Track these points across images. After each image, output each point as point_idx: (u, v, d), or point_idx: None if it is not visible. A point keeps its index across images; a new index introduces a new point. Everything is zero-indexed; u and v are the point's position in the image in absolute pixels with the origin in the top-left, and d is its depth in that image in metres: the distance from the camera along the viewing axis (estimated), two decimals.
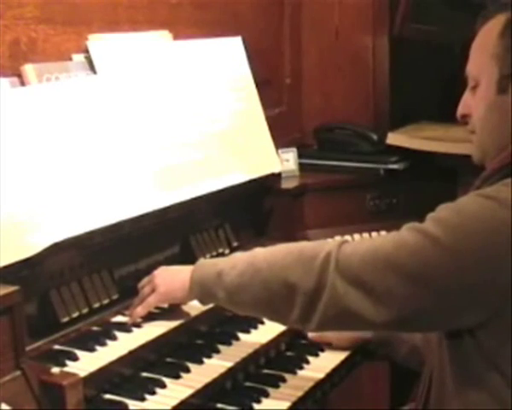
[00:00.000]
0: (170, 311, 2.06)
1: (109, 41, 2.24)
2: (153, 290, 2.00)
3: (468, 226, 1.54)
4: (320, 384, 2.08)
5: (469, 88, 1.76)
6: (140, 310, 2.00)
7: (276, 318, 1.84)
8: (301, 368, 2.12)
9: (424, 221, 1.62)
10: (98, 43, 2.21)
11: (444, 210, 1.61)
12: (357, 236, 2.84)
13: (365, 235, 2.85)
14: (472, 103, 1.74)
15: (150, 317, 2.03)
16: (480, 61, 1.71)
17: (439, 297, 1.54)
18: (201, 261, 1.96)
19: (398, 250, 1.57)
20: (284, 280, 1.69)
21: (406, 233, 1.60)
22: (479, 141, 1.76)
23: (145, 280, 2.06)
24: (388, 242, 1.61)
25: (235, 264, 1.81)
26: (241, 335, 2.12)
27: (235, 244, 2.52)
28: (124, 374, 1.87)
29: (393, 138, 2.99)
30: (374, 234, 2.86)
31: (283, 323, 1.86)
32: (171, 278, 1.99)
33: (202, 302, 1.95)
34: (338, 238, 1.70)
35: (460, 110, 1.78)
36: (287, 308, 1.70)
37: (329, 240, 1.76)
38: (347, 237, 2.81)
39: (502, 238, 1.51)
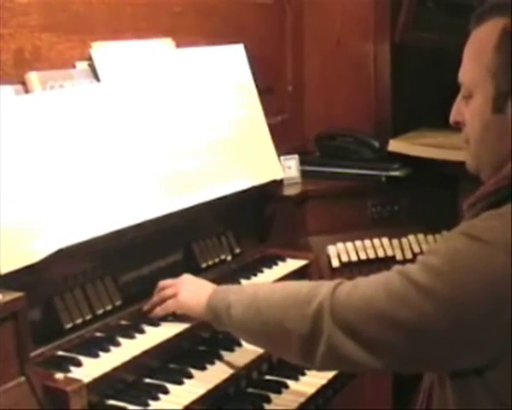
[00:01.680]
0: (173, 317, 2.07)
1: (112, 49, 2.25)
2: (174, 295, 2.03)
3: (459, 275, 1.48)
4: (322, 390, 2.09)
5: (462, 96, 1.68)
6: (159, 311, 2.05)
7: (280, 356, 1.88)
8: (303, 374, 2.13)
9: (415, 265, 1.57)
10: (101, 50, 2.22)
11: (434, 257, 1.54)
12: (358, 242, 2.85)
13: (367, 242, 2.86)
14: (465, 112, 1.67)
15: (153, 323, 2.04)
16: (474, 72, 1.63)
17: (437, 347, 1.51)
18: (218, 289, 1.96)
19: (391, 301, 1.53)
20: (280, 325, 1.70)
21: (398, 281, 1.55)
22: (473, 153, 1.68)
23: (169, 281, 2.09)
24: (381, 289, 1.56)
25: (242, 298, 1.83)
26: (243, 341, 2.12)
27: (237, 251, 2.53)
28: (127, 380, 1.89)
29: (395, 145, 2.99)
30: (375, 241, 2.87)
31: (288, 361, 1.85)
32: (192, 292, 2.02)
33: (216, 327, 1.97)
34: (332, 282, 1.66)
35: (453, 117, 1.71)
36: (286, 350, 1.73)
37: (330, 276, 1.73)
38: (349, 244, 2.83)
39: (495, 282, 1.46)
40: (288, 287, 1.80)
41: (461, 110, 1.69)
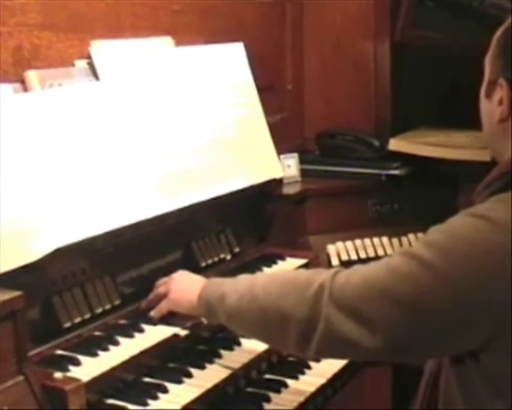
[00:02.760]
0: (172, 316, 2.07)
1: (112, 47, 2.25)
2: (166, 293, 2.04)
3: (461, 250, 1.51)
4: (322, 389, 2.09)
5: None
6: (154, 314, 2.05)
7: (273, 344, 1.84)
8: (303, 373, 2.13)
9: (416, 244, 1.60)
10: (101, 49, 2.22)
11: (436, 233, 1.57)
12: (358, 241, 2.85)
13: (366, 240, 2.86)
14: None
15: (152, 322, 2.03)
16: (487, 55, 1.72)
17: (436, 323, 1.52)
18: (210, 281, 1.97)
19: (393, 278, 1.55)
20: (278, 309, 1.69)
21: (399, 260, 1.57)
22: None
23: (163, 280, 2.10)
24: (382, 269, 1.58)
25: (238, 287, 1.82)
26: (242, 340, 2.11)
27: (236, 250, 2.53)
28: (126, 379, 1.88)
29: (395, 144, 2.99)
30: (375, 240, 2.87)
31: (281, 350, 1.84)
32: (184, 289, 2.02)
33: (208, 321, 1.97)
34: (332, 269, 1.68)
35: None
36: (282, 337, 1.71)
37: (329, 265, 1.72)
38: (349, 243, 2.83)
39: (495, 260, 1.49)
40: (286, 274, 1.80)
41: None
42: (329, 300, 1.60)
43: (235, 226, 2.54)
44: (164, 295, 2.05)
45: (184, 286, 2.03)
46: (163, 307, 2.04)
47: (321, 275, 1.66)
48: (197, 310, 1.94)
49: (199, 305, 1.92)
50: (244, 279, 1.87)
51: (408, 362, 1.73)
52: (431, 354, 1.68)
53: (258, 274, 1.87)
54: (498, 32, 1.69)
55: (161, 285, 2.09)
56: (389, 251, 2.86)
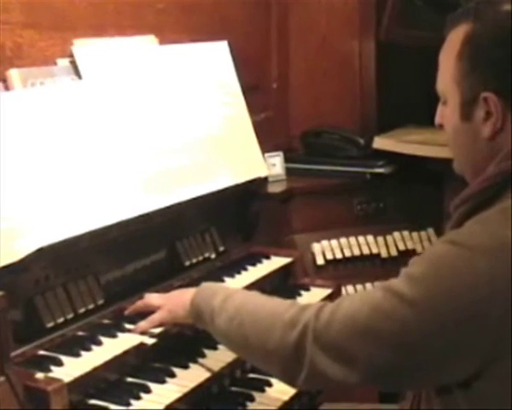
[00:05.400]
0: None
1: (95, 46, 2.24)
2: (159, 305, 2.00)
3: (443, 284, 1.46)
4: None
5: (441, 101, 1.68)
6: (144, 324, 1.99)
7: (260, 368, 1.82)
8: None
9: (398, 279, 1.54)
10: (83, 48, 2.20)
11: (418, 266, 1.53)
12: (343, 240, 2.85)
13: (352, 239, 2.86)
14: (444, 116, 1.67)
15: (136, 322, 2.02)
16: (444, 78, 1.64)
17: (422, 360, 1.49)
18: (203, 287, 1.93)
19: (375, 316, 1.51)
20: (263, 344, 1.67)
21: (381, 296, 1.53)
22: (453, 156, 1.70)
23: (152, 295, 2.07)
24: (364, 305, 1.54)
25: (227, 307, 1.78)
26: None
27: (221, 249, 2.52)
28: (109, 379, 1.88)
29: (380, 142, 3.00)
30: (360, 238, 2.87)
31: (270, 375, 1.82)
32: (176, 295, 2.01)
33: (198, 327, 1.94)
34: (316, 304, 1.65)
35: (436, 120, 1.71)
36: (266, 368, 1.72)
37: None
38: (334, 242, 2.83)
39: (480, 290, 1.44)
40: (275, 305, 1.75)
41: (441, 113, 1.69)
42: (313, 342, 1.57)
43: (220, 225, 2.53)
44: (156, 307, 2.01)
45: (178, 295, 2.00)
46: (156, 318, 1.99)
47: (306, 313, 1.62)
48: (190, 315, 1.91)
49: (191, 312, 1.89)
50: (234, 298, 1.81)
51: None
52: (417, 386, 1.64)
53: (250, 294, 1.83)
54: (457, 46, 1.58)
55: (153, 299, 2.05)
56: (374, 249, 2.87)
